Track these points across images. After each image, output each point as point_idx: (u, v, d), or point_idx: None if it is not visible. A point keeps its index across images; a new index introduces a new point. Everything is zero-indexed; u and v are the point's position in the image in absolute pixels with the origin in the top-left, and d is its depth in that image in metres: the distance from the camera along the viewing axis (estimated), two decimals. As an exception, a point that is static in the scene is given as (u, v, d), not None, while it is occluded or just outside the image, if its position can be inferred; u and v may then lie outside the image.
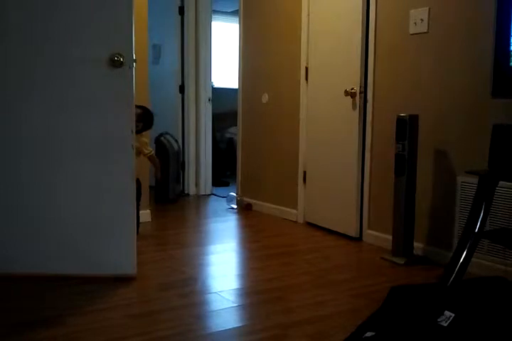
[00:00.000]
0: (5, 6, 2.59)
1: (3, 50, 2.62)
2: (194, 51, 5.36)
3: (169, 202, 5.01)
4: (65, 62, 2.63)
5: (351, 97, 3.59)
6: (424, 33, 3.12)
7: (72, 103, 2.65)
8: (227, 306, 2.43)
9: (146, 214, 4.07)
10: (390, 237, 3.20)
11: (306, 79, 4.09)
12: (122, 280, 2.67)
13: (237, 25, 4.97)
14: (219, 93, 6.06)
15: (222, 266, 3.11)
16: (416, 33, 3.17)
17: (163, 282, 2.72)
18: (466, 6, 2.89)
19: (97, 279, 2.67)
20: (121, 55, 2.59)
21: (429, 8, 3.08)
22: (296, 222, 4.21)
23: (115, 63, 2.59)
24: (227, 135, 6.64)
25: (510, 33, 2.60)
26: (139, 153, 3.48)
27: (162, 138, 5.05)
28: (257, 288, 2.68)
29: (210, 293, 2.62)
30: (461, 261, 2.38)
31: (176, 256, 3.21)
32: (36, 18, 2.61)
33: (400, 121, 3.06)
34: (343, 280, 2.77)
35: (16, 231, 2.70)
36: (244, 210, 4.69)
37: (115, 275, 2.70)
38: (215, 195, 5.43)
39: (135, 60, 2.67)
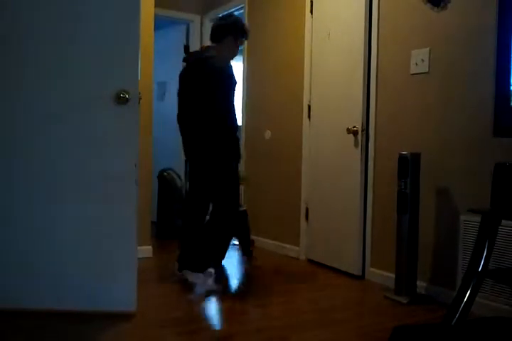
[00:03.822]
0: (18, 44, 2.65)
1: (12, 83, 2.67)
2: (198, 88, 5.42)
3: (171, 238, 4.98)
4: (71, 98, 2.67)
5: (353, 135, 3.62)
6: (425, 73, 3.17)
7: (76, 138, 2.68)
8: (227, 345, 2.40)
9: (147, 250, 4.05)
10: (393, 275, 3.17)
11: (309, 116, 4.13)
12: (122, 317, 2.64)
13: (241, 62, 5.06)
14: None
15: (223, 304, 3.07)
16: (417, 73, 3.23)
17: (163, 319, 2.68)
18: (467, 46, 2.94)
19: (97, 315, 2.64)
20: (126, 92, 2.63)
21: (430, 49, 3.14)
22: (297, 258, 4.18)
23: (120, 100, 2.63)
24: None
25: (510, 73, 2.64)
26: None
27: (165, 173, 5.07)
28: (258, 326, 2.64)
29: (210, 331, 2.58)
30: (464, 300, 2.34)
31: (176, 292, 3.18)
32: (44, 56, 2.66)
33: (402, 158, 3.08)
34: (345, 320, 2.74)
35: (12, 265, 2.68)
36: (246, 247, 4.66)
37: (115, 311, 2.67)
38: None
39: (140, 97, 2.71)
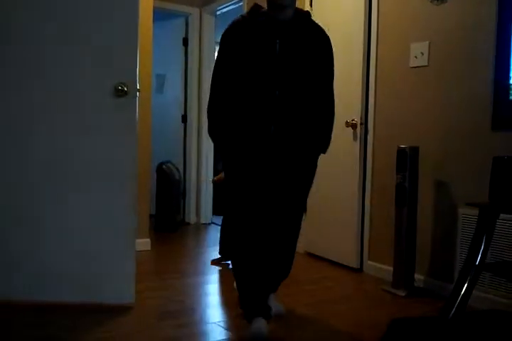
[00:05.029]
0: (15, 35, 2.64)
1: (13, 77, 2.67)
2: (197, 81, 5.43)
3: (169, 230, 4.99)
4: (70, 91, 2.67)
5: (352, 128, 3.62)
6: (425, 66, 3.16)
7: (75, 131, 2.68)
8: (225, 337, 2.40)
9: (145, 243, 4.05)
10: (391, 269, 3.18)
11: (308, 110, 4.12)
12: (120, 310, 2.65)
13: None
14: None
15: (221, 296, 3.08)
16: (416, 66, 3.22)
17: (162, 311, 2.69)
18: (466, 40, 2.93)
19: (95, 308, 2.65)
20: (125, 85, 2.63)
21: (430, 42, 3.13)
22: (296, 252, 4.18)
23: (119, 92, 2.63)
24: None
25: (509, 67, 2.64)
26: None
27: (164, 166, 5.07)
28: (256, 319, 2.64)
29: (209, 323, 2.59)
30: (462, 293, 2.35)
31: (174, 285, 3.18)
32: (43, 49, 2.65)
33: (401, 152, 3.08)
34: (342, 312, 2.74)
35: (14, 258, 2.69)
36: (245, 240, 4.66)
37: (113, 304, 2.68)
38: (216, 224, 5.41)
39: (139, 90, 2.70)
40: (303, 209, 2.53)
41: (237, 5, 5.08)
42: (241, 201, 2.38)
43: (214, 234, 4.96)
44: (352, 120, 3.60)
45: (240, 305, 2.40)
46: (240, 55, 2.30)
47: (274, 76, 2.27)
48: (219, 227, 5.16)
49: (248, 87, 2.31)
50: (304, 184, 2.48)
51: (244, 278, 2.38)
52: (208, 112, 2.39)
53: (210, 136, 2.42)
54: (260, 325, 2.29)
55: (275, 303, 2.61)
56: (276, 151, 2.33)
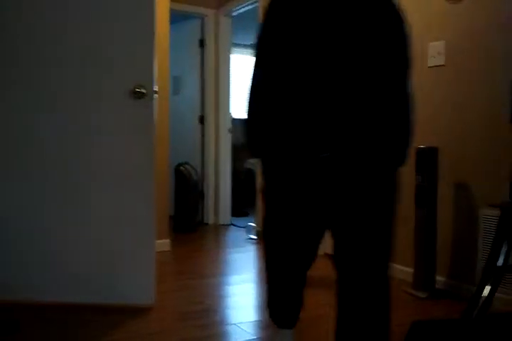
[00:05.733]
0: (35, 35, 2.67)
1: (32, 78, 2.70)
2: (214, 82, 5.44)
3: (188, 231, 5.01)
4: (89, 93, 2.69)
5: (370, 128, 3.59)
6: (442, 65, 3.14)
7: (94, 133, 2.70)
8: (246, 338, 2.40)
9: (165, 244, 4.07)
10: (412, 270, 3.15)
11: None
12: (141, 310, 2.66)
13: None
14: (238, 124, 6.12)
15: (242, 297, 3.08)
16: (434, 66, 3.19)
17: (182, 312, 2.70)
18: (483, 38, 2.90)
19: (116, 308, 2.66)
20: (142, 87, 2.64)
21: (446, 42, 3.10)
22: (315, 253, 4.17)
23: (137, 94, 2.64)
24: (247, 165, 6.67)
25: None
26: None
27: (182, 167, 5.09)
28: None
29: (229, 324, 2.59)
30: (484, 296, 2.33)
31: (194, 286, 3.19)
32: (62, 51, 2.68)
33: (420, 152, 3.05)
34: (363, 314, 2.72)
35: (34, 259, 2.72)
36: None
37: (134, 305, 2.69)
38: (234, 225, 5.42)
39: (156, 92, 2.71)
40: (390, 255, 1.90)
41: (253, 5, 5.08)
42: (284, 238, 1.98)
43: (233, 235, 4.97)
44: (370, 120, 3.58)
45: (268, 312, 2.15)
46: (289, 39, 1.67)
47: (335, 67, 1.63)
48: (238, 228, 5.20)
49: (301, 82, 1.68)
50: (386, 215, 1.88)
51: (278, 296, 2.13)
52: (248, 119, 1.86)
53: (250, 149, 1.94)
54: (287, 339, 2.12)
55: None
56: (340, 167, 1.67)
